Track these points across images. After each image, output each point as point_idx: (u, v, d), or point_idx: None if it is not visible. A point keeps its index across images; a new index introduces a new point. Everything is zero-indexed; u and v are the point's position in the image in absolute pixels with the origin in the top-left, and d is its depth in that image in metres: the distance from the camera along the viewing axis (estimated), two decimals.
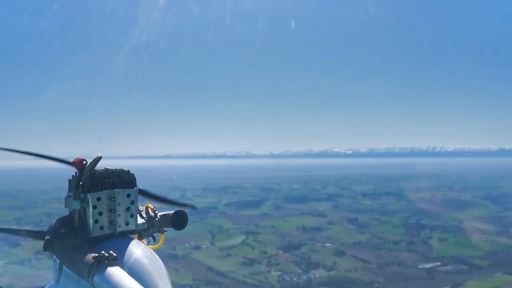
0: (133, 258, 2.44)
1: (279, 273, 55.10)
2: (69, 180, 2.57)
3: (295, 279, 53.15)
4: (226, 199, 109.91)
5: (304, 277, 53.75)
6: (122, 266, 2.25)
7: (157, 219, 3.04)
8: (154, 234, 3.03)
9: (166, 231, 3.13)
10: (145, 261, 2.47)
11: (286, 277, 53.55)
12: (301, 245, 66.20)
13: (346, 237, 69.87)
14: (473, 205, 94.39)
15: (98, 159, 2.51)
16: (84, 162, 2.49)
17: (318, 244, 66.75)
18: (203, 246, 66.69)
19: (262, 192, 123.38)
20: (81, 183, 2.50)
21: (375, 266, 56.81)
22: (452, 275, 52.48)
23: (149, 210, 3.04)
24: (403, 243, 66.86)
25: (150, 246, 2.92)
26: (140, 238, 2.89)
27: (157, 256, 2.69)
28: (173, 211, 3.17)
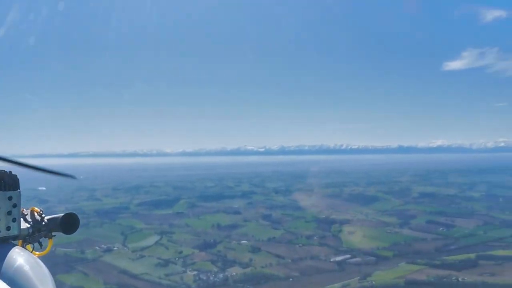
0: (14, 267, 2.25)
1: (195, 272, 54.23)
2: None
3: (211, 278, 52.62)
4: (138, 198, 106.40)
5: (221, 275, 53.42)
6: (1, 275, 2.12)
7: (44, 223, 2.87)
8: (41, 240, 2.87)
9: (54, 236, 2.94)
10: (27, 269, 2.26)
11: (203, 276, 52.83)
12: (217, 243, 65.82)
13: (261, 234, 70.73)
14: (377, 199, 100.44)
15: None
16: None
17: (234, 241, 66.82)
18: (115, 248, 63.71)
19: (175, 190, 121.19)
20: None
21: (290, 261, 58.04)
22: (361, 266, 55.15)
23: (35, 213, 2.85)
24: (315, 238, 69.12)
25: (36, 253, 2.78)
26: (24, 245, 2.73)
27: (42, 264, 2.44)
28: (62, 214, 2.95)
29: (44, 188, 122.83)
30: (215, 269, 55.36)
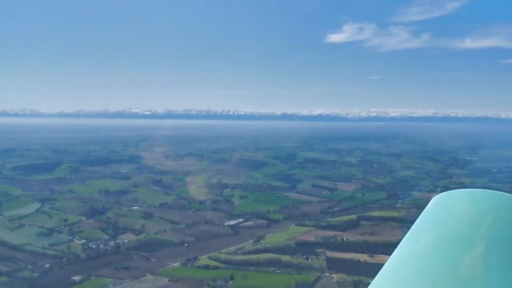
0: None
1: (83, 241, 51.30)
2: None
3: (102, 246, 50.21)
4: (11, 163, 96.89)
5: (112, 243, 51.25)
6: None
7: None
8: None
9: None
10: None
11: (92, 245, 50.18)
12: (106, 209, 62.80)
13: (152, 199, 69.02)
14: (266, 164, 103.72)
15: None
16: None
17: (124, 207, 64.31)
18: None
19: (55, 154, 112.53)
20: None
21: (184, 226, 57.68)
22: (254, 229, 56.80)
23: None
24: (208, 203, 69.39)
25: None
26: None
27: None
28: None
29: None
30: (106, 237, 52.95)
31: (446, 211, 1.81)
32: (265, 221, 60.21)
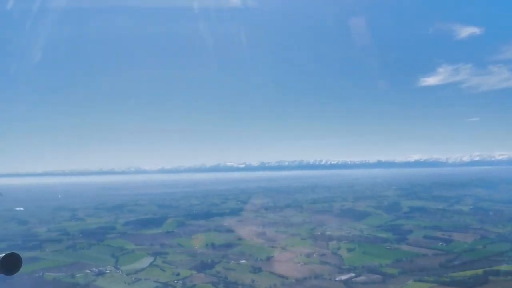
0: None
1: None
2: None
3: None
4: (123, 218, 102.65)
5: None
6: None
7: None
8: None
9: None
10: None
11: None
12: (215, 263, 63.12)
13: (258, 253, 68.32)
14: (369, 214, 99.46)
15: None
16: None
17: (232, 261, 64.22)
18: (107, 271, 60.25)
19: (160, 209, 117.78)
20: None
21: (294, 281, 55.87)
22: (369, 285, 53.47)
23: None
24: (314, 256, 67.15)
25: None
26: None
27: None
28: (3, 254, 2.72)
29: (21, 208, 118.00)
30: None
31: None
32: (379, 276, 56.49)
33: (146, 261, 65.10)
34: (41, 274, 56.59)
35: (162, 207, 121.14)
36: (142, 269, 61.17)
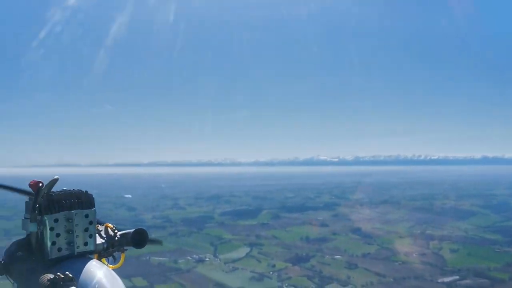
0: (91, 279, 2.38)
1: None
2: (26, 202, 2.57)
3: None
4: (220, 208, 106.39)
5: None
6: (82, 286, 2.26)
7: (116, 238, 2.94)
8: (114, 254, 2.95)
9: (126, 250, 3.02)
10: (104, 281, 2.38)
11: None
12: (310, 257, 63.13)
13: (353, 248, 67.13)
14: (474, 214, 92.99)
15: (54, 181, 2.54)
16: (40, 184, 2.50)
17: (327, 256, 63.74)
18: (207, 259, 63.03)
19: (255, 201, 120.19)
20: (37, 205, 2.50)
21: (392, 280, 54.06)
22: None
23: (109, 229, 2.95)
24: (414, 255, 64.23)
25: (111, 266, 2.85)
26: (100, 258, 2.82)
27: (117, 276, 2.54)
28: (133, 230, 3.00)
29: (130, 196, 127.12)
30: (313, 286, 52.75)
31: None
32: (486, 280, 52.66)
33: (242, 251, 66.95)
34: (148, 258, 60.51)
35: (257, 198, 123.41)
36: (239, 259, 63.01)
